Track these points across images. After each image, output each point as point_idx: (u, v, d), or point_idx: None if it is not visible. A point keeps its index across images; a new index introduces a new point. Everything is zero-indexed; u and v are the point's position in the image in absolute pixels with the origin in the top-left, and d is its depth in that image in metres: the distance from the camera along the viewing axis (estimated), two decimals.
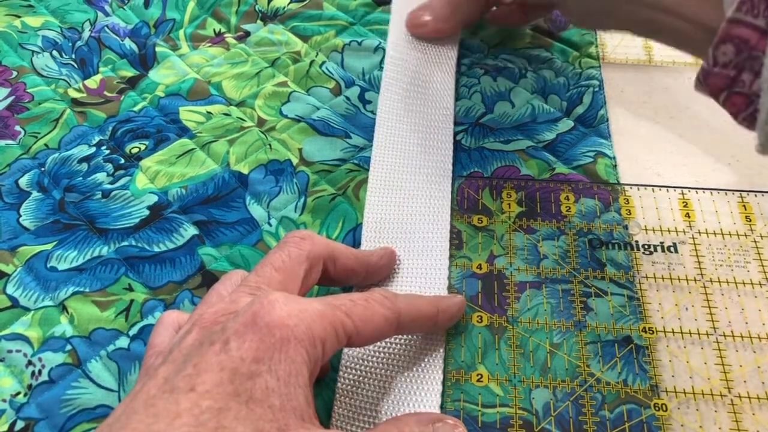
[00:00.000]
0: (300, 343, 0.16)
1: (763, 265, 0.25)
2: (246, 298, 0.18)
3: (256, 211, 0.28)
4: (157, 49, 0.35)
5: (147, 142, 0.30)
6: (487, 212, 0.27)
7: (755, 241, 0.25)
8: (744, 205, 0.27)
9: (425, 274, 0.25)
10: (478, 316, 0.24)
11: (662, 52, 0.34)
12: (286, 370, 0.16)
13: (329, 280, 0.22)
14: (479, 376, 0.22)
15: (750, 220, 0.26)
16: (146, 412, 0.15)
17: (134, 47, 0.35)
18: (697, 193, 0.27)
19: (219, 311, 0.18)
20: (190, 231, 0.27)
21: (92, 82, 0.33)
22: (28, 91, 0.33)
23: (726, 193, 0.27)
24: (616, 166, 0.29)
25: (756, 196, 0.27)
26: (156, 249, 0.26)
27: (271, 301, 0.17)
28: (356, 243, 0.26)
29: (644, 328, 0.23)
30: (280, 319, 0.16)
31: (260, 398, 0.15)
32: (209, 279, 0.25)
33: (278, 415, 0.15)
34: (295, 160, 0.29)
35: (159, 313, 0.24)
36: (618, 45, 0.35)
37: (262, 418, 0.15)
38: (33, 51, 0.35)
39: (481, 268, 0.25)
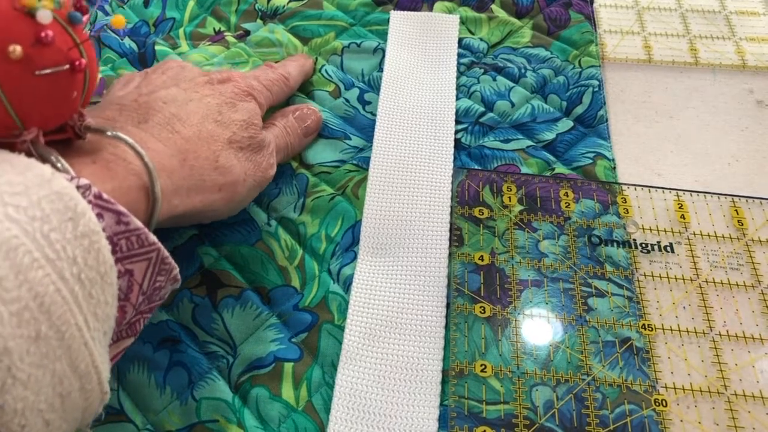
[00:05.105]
0: (256, 104, 0.25)
1: (755, 269, 0.25)
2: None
3: (256, 212, 0.28)
4: (157, 47, 0.35)
5: None
6: (488, 207, 0.27)
7: (747, 245, 0.26)
8: (736, 210, 0.27)
9: (425, 272, 0.25)
10: (480, 307, 0.24)
11: (662, 51, 0.34)
12: (251, 110, 0.25)
13: None
14: (483, 367, 0.23)
15: (742, 225, 0.26)
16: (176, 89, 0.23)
17: (134, 46, 0.35)
18: (691, 195, 0.27)
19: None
20: (189, 231, 0.27)
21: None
22: None
23: (718, 197, 0.27)
24: (615, 168, 0.29)
25: (747, 201, 0.27)
26: None
27: (236, 73, 0.26)
28: (355, 240, 0.26)
29: (644, 324, 0.24)
30: (246, 85, 0.25)
31: (239, 109, 0.24)
32: (209, 278, 0.25)
33: (250, 125, 0.24)
34: (294, 163, 0.29)
35: (159, 312, 0.24)
36: (618, 44, 0.35)
37: (240, 120, 0.24)
38: None
39: (483, 260, 0.25)
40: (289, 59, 0.32)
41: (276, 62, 0.34)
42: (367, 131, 0.30)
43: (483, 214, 0.27)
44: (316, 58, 0.34)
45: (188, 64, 0.26)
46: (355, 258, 0.26)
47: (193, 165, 0.21)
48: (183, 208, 0.21)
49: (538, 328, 0.24)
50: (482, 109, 0.31)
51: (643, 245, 0.26)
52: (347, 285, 0.25)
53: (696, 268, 0.25)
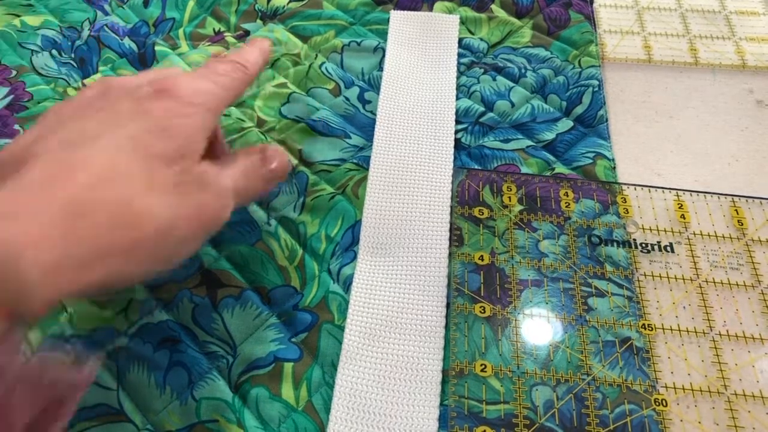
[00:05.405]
0: (202, 112, 0.20)
1: (755, 268, 0.25)
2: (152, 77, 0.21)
3: (256, 212, 0.28)
4: (157, 48, 0.35)
5: None
6: (488, 206, 0.27)
7: (747, 245, 0.26)
8: (736, 210, 0.27)
9: (425, 272, 0.25)
10: (480, 307, 0.24)
11: (662, 51, 0.34)
12: (191, 128, 0.20)
13: None
14: (483, 366, 0.23)
15: (742, 224, 0.26)
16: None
17: (134, 46, 0.35)
18: (691, 195, 0.27)
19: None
20: None
21: (92, 81, 0.33)
22: (27, 90, 0.33)
23: (718, 197, 0.27)
24: (615, 168, 0.29)
25: (747, 201, 0.27)
26: None
27: (177, 79, 0.21)
28: (355, 239, 0.26)
29: (644, 324, 0.24)
30: (186, 93, 0.20)
31: (172, 136, 0.19)
32: (209, 278, 0.25)
33: (186, 157, 0.19)
34: (294, 161, 0.29)
35: (158, 312, 0.24)
36: (618, 44, 0.35)
37: (175, 149, 0.19)
38: (32, 50, 0.35)
39: (483, 259, 0.25)
40: (245, 45, 0.26)
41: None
42: (367, 130, 0.30)
43: (483, 214, 0.27)
44: (316, 55, 0.34)
45: (116, 83, 0.21)
46: (355, 258, 0.26)
47: (89, 224, 0.16)
48: (87, 281, 0.16)
49: (538, 327, 0.24)
50: (482, 109, 0.31)
51: (643, 245, 0.26)
52: (347, 285, 0.25)
53: (696, 268, 0.25)
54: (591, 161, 0.29)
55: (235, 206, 0.21)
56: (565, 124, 0.31)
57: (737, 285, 0.25)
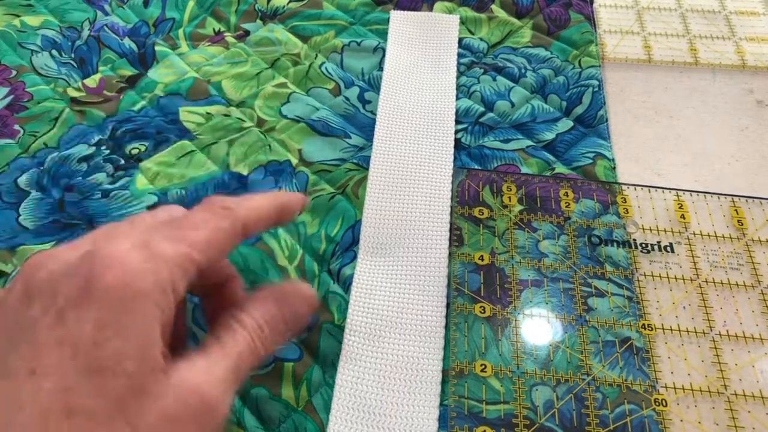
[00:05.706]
0: (147, 298, 0.14)
1: (755, 269, 0.25)
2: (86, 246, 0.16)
3: None
4: (157, 48, 0.35)
5: (146, 144, 0.30)
6: (488, 206, 0.27)
7: (747, 245, 0.26)
8: (736, 210, 0.27)
9: (425, 272, 0.25)
10: (480, 307, 0.24)
11: (662, 51, 0.34)
12: (136, 330, 0.14)
13: None
14: (483, 366, 0.23)
15: (742, 224, 0.26)
16: None
17: (133, 46, 0.35)
18: (691, 195, 0.27)
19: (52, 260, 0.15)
20: None
21: (91, 81, 0.33)
22: (27, 90, 0.33)
23: (718, 197, 0.27)
24: (615, 168, 0.29)
25: (747, 201, 0.27)
26: None
27: (108, 256, 0.15)
28: (355, 239, 0.26)
29: (643, 324, 0.24)
30: (119, 278, 0.14)
31: (111, 366, 0.14)
32: None
33: (134, 379, 0.14)
34: (294, 161, 0.29)
35: None
36: (618, 44, 0.35)
37: (116, 386, 0.14)
38: (32, 50, 0.35)
39: (483, 259, 0.25)
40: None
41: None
42: (367, 130, 0.30)
43: (483, 214, 0.27)
44: (316, 55, 0.34)
45: (42, 276, 0.15)
46: (355, 258, 0.26)
47: None
48: None
49: (538, 327, 0.24)
50: (482, 109, 0.31)
51: (643, 245, 0.26)
52: (347, 285, 0.25)
53: (696, 268, 0.25)
54: (591, 161, 0.29)
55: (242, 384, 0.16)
56: (565, 124, 0.31)
57: (737, 285, 0.25)
